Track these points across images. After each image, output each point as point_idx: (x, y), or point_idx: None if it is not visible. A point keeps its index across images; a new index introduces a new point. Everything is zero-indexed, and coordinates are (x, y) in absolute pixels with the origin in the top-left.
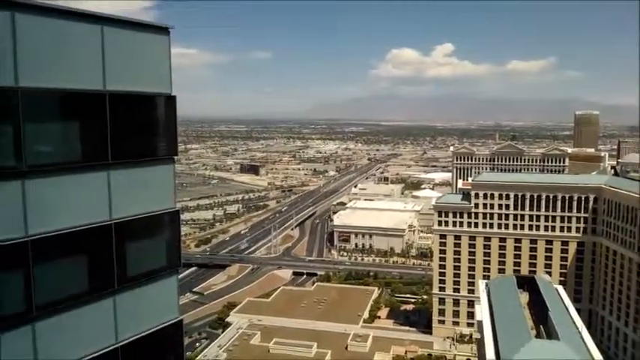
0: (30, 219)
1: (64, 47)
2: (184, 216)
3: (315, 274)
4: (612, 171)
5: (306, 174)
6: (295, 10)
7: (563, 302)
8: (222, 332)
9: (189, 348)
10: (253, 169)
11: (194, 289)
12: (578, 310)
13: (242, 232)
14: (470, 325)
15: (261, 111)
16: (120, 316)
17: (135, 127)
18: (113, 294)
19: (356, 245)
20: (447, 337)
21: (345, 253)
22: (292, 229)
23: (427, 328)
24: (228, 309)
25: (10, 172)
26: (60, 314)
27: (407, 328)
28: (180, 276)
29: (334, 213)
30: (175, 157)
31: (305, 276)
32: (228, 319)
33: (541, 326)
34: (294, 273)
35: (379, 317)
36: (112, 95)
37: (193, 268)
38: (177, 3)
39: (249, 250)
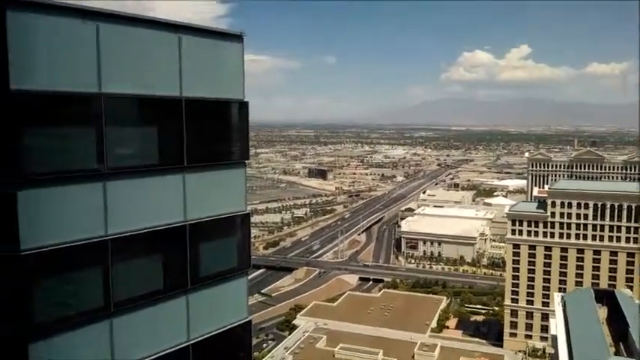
0: (110, 219)
1: (144, 55)
2: (253, 219)
3: (382, 281)
4: None
5: (373, 179)
6: (364, 15)
7: None
8: (289, 334)
9: (257, 348)
10: (321, 174)
11: (262, 291)
12: None
13: (303, 238)
14: (543, 339)
15: (329, 116)
16: (192, 315)
17: (209, 131)
18: (186, 293)
19: (424, 252)
20: (519, 351)
21: (412, 260)
22: (359, 235)
23: (498, 341)
24: (295, 312)
25: (92, 174)
26: (136, 311)
27: (476, 339)
28: (249, 277)
29: (402, 219)
30: (246, 161)
31: (371, 282)
32: (294, 322)
33: (620, 343)
34: (361, 278)
35: (447, 327)
36: (188, 101)
37: (262, 270)
38: (250, 11)
39: (316, 254)
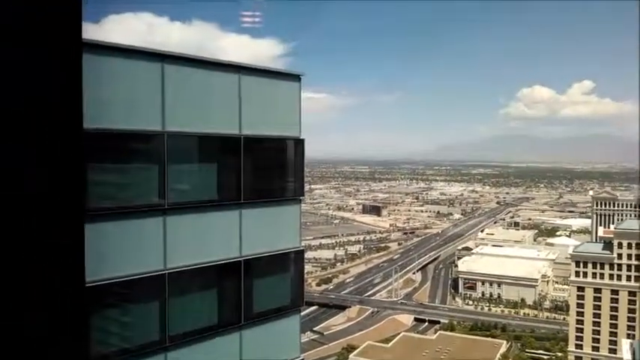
0: (169, 253)
1: (205, 94)
2: (307, 254)
3: (438, 322)
4: None
5: (429, 216)
6: (419, 48)
7: None
8: None
9: None
10: (375, 210)
11: (314, 329)
12: None
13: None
14: None
15: (384, 153)
16: (245, 351)
17: (266, 168)
18: (240, 329)
19: (482, 294)
20: None
21: (470, 302)
22: (414, 273)
23: None
24: (348, 351)
25: (154, 209)
26: (190, 345)
27: None
28: (302, 314)
29: (459, 258)
30: (301, 198)
31: (427, 323)
32: None
33: None
34: (416, 319)
35: None
36: (247, 139)
37: (314, 307)
38: (310, 50)
39: (369, 292)
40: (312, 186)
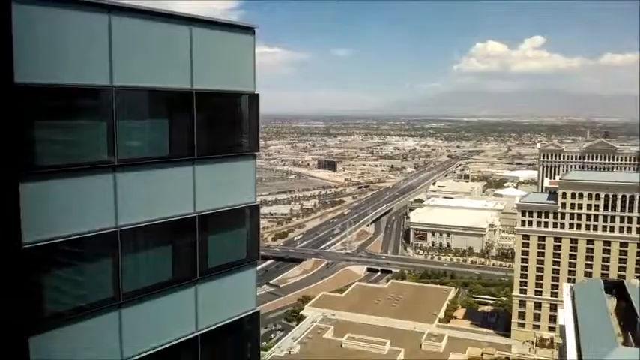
0: (120, 210)
1: (155, 47)
2: (262, 210)
3: (390, 272)
4: None
5: (383, 170)
6: (371, 7)
7: None
8: (297, 325)
9: (265, 338)
10: (330, 165)
11: (271, 282)
12: None
13: (315, 229)
14: (551, 329)
15: (339, 108)
16: (200, 306)
17: (220, 123)
18: (195, 284)
19: (433, 244)
20: (527, 341)
21: (421, 252)
22: (368, 226)
23: (506, 331)
24: (303, 302)
25: (103, 166)
26: (145, 302)
27: (484, 329)
28: (258, 268)
29: (411, 210)
30: (256, 153)
31: (379, 273)
32: (302, 312)
33: (629, 334)
34: (369, 269)
35: (455, 317)
36: (199, 93)
37: (270, 261)
38: (262, 3)
39: (324, 245)
40: (268, 142)
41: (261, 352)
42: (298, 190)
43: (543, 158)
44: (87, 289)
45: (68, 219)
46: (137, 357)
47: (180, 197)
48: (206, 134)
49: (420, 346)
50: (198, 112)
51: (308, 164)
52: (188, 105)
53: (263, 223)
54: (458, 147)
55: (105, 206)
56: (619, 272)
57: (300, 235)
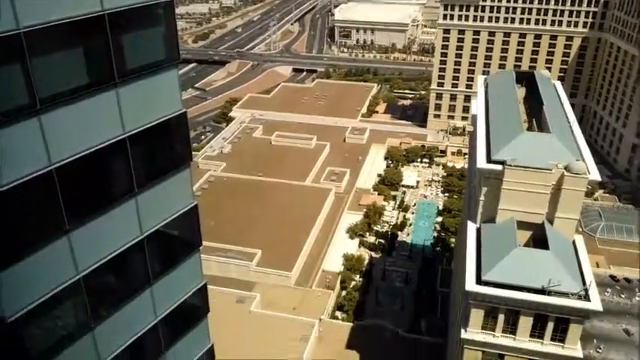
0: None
1: None
2: (179, 10)
3: (315, 71)
4: None
5: None
6: None
7: (559, 97)
8: (226, 126)
9: (195, 140)
10: None
11: (196, 85)
12: (573, 106)
13: (237, 29)
14: (464, 118)
15: None
16: (124, 108)
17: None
18: (115, 87)
19: (357, 41)
20: (441, 130)
21: (345, 50)
22: (292, 24)
23: (423, 122)
24: (231, 104)
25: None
26: (65, 106)
27: (403, 122)
28: (181, 72)
29: (335, 7)
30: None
31: (305, 73)
32: (230, 114)
33: (534, 120)
34: (294, 70)
35: (377, 112)
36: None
37: (193, 64)
38: None
39: (248, 46)
40: None
41: (193, 152)
42: None
43: None
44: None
45: None
46: (66, 160)
47: None
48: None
49: (344, 140)
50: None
51: None
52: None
53: (181, 24)
54: None
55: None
56: (531, 64)
57: (222, 36)
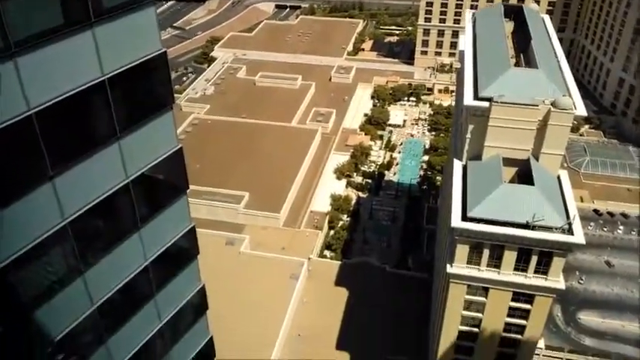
0: None
1: None
2: None
3: (299, 7)
4: None
5: None
6: None
7: (547, 31)
8: (208, 67)
9: (177, 82)
10: None
11: (174, 24)
12: (561, 40)
13: None
14: (452, 55)
15: None
16: (102, 49)
17: None
18: (91, 27)
19: None
20: (428, 67)
21: None
22: None
23: (410, 59)
24: (212, 44)
25: None
26: (40, 49)
27: (390, 59)
28: (158, 10)
29: None
30: None
31: (288, 9)
32: (212, 54)
33: (522, 55)
34: (277, 6)
35: (363, 50)
36: None
37: (171, 2)
38: None
39: None
40: None
41: (175, 95)
42: None
43: None
44: None
45: None
46: (45, 105)
47: None
48: None
49: (330, 79)
50: None
51: None
52: None
53: None
54: None
55: None
56: None
57: None
